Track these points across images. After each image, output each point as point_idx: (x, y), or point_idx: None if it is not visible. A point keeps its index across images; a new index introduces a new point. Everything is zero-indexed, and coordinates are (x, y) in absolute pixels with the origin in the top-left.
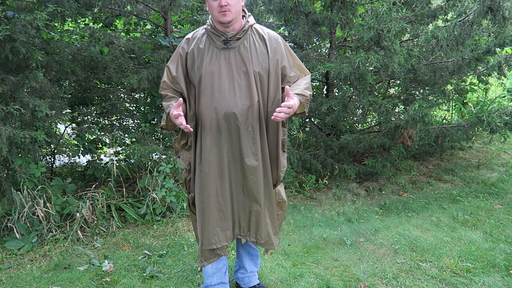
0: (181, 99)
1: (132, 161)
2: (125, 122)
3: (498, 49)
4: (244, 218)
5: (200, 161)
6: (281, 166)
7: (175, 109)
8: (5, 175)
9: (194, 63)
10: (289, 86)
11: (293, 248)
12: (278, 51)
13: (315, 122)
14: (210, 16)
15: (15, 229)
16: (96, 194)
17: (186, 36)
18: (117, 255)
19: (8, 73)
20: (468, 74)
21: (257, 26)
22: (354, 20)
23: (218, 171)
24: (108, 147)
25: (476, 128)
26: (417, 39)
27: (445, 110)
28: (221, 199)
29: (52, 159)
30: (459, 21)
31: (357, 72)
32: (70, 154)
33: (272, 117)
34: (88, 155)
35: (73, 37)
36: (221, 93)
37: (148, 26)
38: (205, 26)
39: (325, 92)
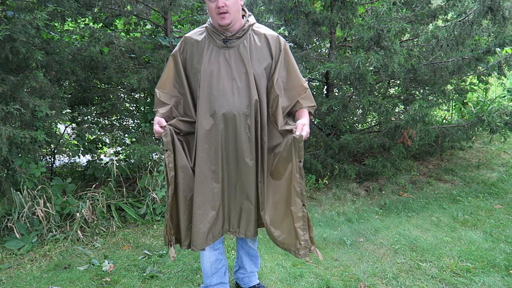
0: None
1: (132, 161)
2: (125, 122)
3: (498, 49)
4: (234, 214)
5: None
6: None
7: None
8: (5, 175)
9: (193, 61)
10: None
11: None
12: (277, 52)
13: (315, 122)
14: None
15: (15, 229)
16: (96, 194)
17: (184, 37)
18: (117, 255)
19: (8, 73)
20: (468, 74)
21: (257, 25)
22: (354, 20)
23: (209, 168)
24: (108, 147)
25: (476, 128)
26: (417, 39)
27: (445, 110)
28: (211, 195)
29: (52, 159)
30: (459, 21)
31: (357, 72)
32: (70, 154)
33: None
34: (88, 155)
35: (73, 37)
36: (219, 91)
37: (148, 26)
38: (206, 24)
39: (325, 92)
